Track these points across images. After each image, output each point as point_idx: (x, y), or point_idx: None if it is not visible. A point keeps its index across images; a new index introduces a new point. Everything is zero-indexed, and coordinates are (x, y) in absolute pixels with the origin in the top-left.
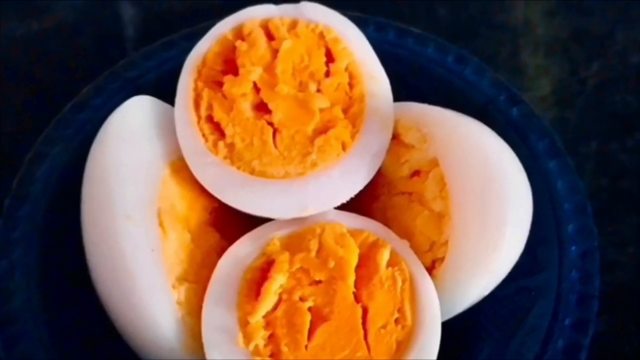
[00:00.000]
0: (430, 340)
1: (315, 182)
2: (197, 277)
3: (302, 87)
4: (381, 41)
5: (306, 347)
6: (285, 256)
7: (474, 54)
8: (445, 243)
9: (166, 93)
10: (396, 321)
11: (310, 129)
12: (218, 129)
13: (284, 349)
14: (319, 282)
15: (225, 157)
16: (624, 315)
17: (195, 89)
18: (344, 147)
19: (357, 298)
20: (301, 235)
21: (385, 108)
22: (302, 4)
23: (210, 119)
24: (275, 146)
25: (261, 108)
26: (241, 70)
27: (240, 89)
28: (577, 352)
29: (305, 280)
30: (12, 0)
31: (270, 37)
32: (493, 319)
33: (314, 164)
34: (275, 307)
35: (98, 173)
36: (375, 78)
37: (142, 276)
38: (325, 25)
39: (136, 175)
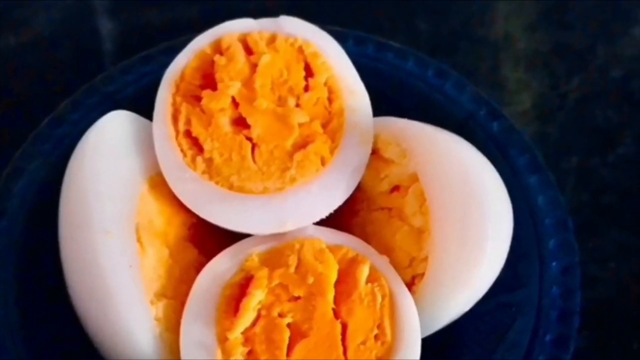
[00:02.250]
0: (410, 357)
1: (294, 197)
2: (176, 293)
3: (281, 101)
4: (361, 55)
5: None
6: (264, 272)
7: (454, 69)
8: (425, 259)
9: (144, 108)
10: (376, 337)
11: (289, 143)
12: (196, 144)
13: None
14: (298, 298)
15: (203, 172)
16: (605, 331)
17: (174, 104)
18: (323, 162)
19: (336, 314)
20: (280, 251)
21: (365, 123)
22: (281, 18)
23: (188, 133)
24: (254, 161)
25: (240, 123)
26: (220, 85)
27: (218, 104)
28: None
29: (284, 296)
30: None
31: (249, 51)
32: (473, 335)
33: (293, 179)
34: (254, 323)
35: (76, 188)
36: (354, 92)
37: (120, 292)
38: (305, 39)
39: (114, 191)
